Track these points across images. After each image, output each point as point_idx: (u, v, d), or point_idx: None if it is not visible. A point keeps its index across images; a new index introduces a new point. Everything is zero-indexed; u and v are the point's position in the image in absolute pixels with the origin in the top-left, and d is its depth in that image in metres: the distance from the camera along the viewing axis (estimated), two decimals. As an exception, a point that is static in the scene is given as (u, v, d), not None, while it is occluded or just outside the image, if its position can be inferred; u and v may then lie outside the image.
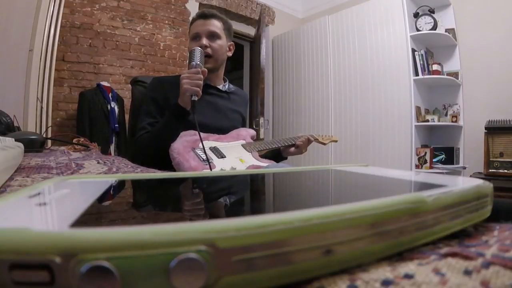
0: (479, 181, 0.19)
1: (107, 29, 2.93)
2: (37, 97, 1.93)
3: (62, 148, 0.99)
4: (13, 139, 0.58)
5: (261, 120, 3.60)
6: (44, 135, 1.27)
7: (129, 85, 1.49)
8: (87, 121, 2.60)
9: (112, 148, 2.69)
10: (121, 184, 0.24)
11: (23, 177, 0.37)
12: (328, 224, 0.12)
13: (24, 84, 1.76)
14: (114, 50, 2.97)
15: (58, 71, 2.59)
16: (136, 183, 0.26)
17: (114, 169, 0.46)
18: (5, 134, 0.84)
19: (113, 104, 2.71)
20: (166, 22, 3.31)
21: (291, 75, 3.96)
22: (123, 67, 3.03)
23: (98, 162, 0.55)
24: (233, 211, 0.20)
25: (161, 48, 3.28)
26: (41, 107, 2.02)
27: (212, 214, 0.19)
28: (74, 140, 0.98)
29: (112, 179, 0.24)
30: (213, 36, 1.19)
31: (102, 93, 2.68)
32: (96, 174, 0.41)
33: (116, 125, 2.71)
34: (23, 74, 1.76)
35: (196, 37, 1.19)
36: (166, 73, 3.25)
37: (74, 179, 0.23)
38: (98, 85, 2.71)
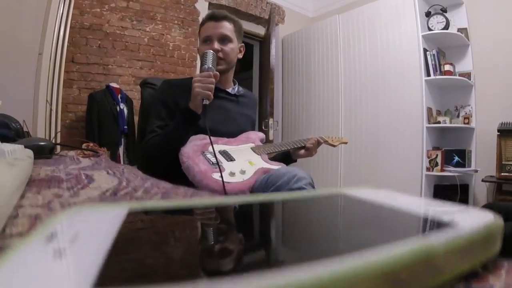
0: (489, 218, 0.17)
1: (116, 30, 2.94)
2: (47, 99, 1.94)
3: (71, 153, 0.99)
4: (23, 146, 0.57)
5: (271, 121, 3.58)
6: (53, 141, 1.27)
7: (139, 86, 1.48)
8: (96, 122, 2.61)
9: (121, 150, 2.69)
10: (138, 217, 0.23)
11: (34, 194, 0.36)
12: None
13: (33, 86, 1.77)
14: (123, 51, 2.98)
15: (68, 72, 2.60)
16: (160, 217, 0.22)
17: (124, 183, 0.45)
18: (15, 140, 0.83)
19: (122, 106, 2.72)
20: (176, 22, 3.31)
21: (301, 75, 3.93)
22: (132, 68, 3.03)
23: (108, 173, 0.55)
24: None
25: (171, 48, 3.28)
26: (51, 109, 2.03)
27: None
28: (83, 145, 0.98)
29: (126, 208, 0.22)
30: (224, 39, 1.17)
31: (111, 94, 2.69)
32: (106, 189, 0.40)
33: (125, 127, 2.71)
34: (32, 77, 1.77)
35: (207, 40, 1.18)
36: (176, 73, 3.25)
37: (85, 209, 0.21)
38: (107, 86, 2.72)
